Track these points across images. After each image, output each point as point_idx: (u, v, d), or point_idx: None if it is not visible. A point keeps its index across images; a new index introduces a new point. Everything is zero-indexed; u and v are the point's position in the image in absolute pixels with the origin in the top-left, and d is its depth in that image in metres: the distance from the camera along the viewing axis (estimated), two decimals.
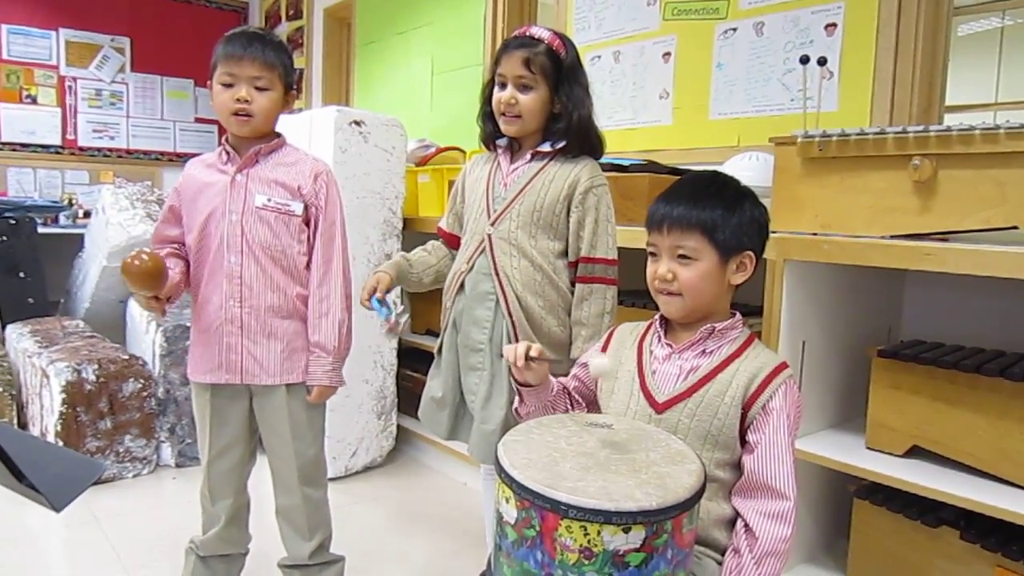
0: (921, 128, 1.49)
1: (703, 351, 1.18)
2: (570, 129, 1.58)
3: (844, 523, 1.75)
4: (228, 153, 1.60)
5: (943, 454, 1.53)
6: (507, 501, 0.91)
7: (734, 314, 1.22)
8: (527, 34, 1.59)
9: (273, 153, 1.62)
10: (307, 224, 1.62)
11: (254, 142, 1.59)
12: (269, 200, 1.58)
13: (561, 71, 1.58)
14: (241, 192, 1.58)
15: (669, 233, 1.16)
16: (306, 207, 1.61)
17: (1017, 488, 1.41)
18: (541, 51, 1.56)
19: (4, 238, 3.48)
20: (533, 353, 1.18)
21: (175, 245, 1.64)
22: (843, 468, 1.58)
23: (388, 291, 1.63)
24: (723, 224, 1.14)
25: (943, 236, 1.51)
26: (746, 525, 1.09)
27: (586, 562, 0.84)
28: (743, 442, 1.14)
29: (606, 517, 0.83)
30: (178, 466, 2.77)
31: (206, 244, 1.59)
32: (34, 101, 5.00)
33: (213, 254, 1.58)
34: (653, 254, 1.21)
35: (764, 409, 1.11)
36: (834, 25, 2.17)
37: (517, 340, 1.57)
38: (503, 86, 1.58)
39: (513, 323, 1.59)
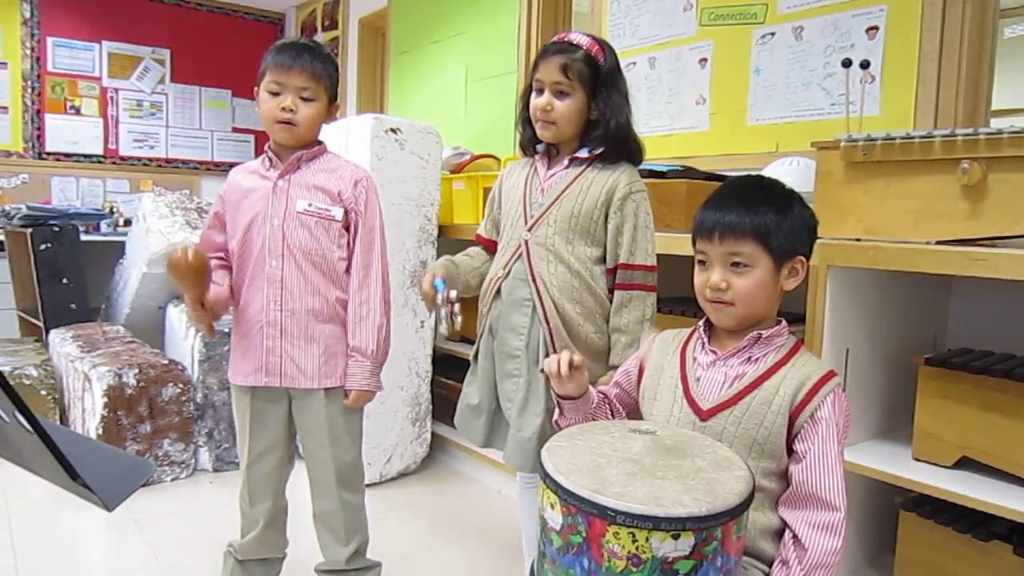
0: (970, 131, 1.45)
1: (749, 358, 1.16)
2: (608, 136, 1.57)
3: (889, 536, 1.71)
4: (271, 159, 1.63)
5: (994, 465, 1.48)
6: (552, 507, 0.90)
7: (780, 321, 1.19)
8: (566, 40, 1.58)
9: (315, 160, 1.64)
10: (347, 229, 1.64)
11: (296, 149, 1.61)
12: (310, 205, 1.60)
13: (599, 78, 1.56)
14: (283, 197, 1.60)
15: (722, 241, 1.14)
16: (346, 212, 1.62)
17: None
18: (579, 57, 1.55)
19: (48, 245, 3.56)
20: (576, 360, 1.17)
21: (222, 255, 1.67)
22: (889, 479, 1.54)
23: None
24: (776, 229, 1.12)
25: (992, 241, 1.47)
26: (795, 536, 1.07)
27: (634, 569, 0.83)
28: (790, 451, 1.12)
29: (655, 523, 0.82)
30: (215, 470, 2.80)
31: (248, 249, 1.61)
32: (77, 112, 5.12)
33: (255, 258, 1.60)
34: (702, 262, 1.18)
35: (812, 418, 1.09)
36: (876, 28, 2.14)
37: (554, 347, 1.56)
38: (540, 92, 1.58)
39: (550, 329, 1.58)
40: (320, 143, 1.66)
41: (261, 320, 1.60)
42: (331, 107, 1.64)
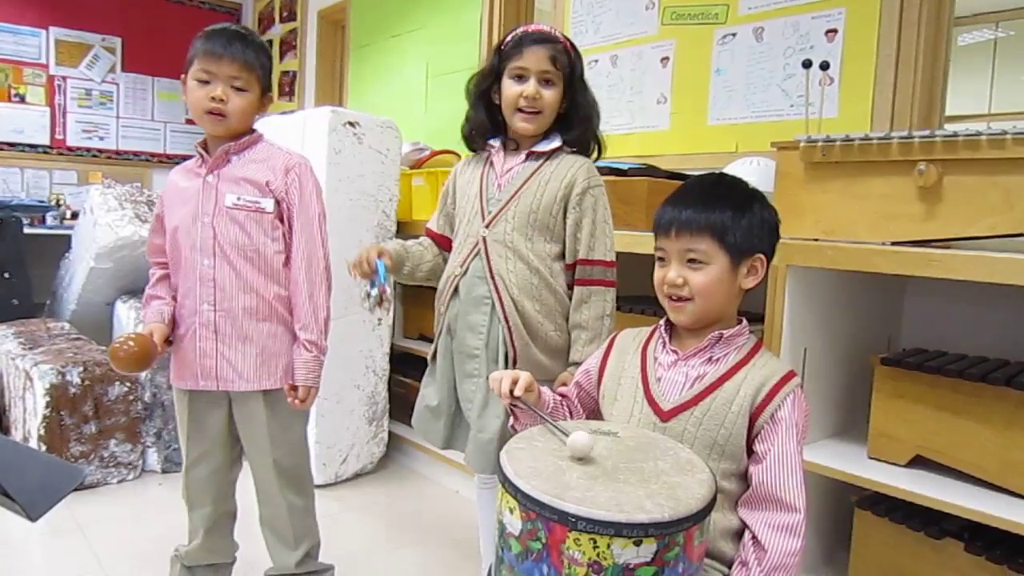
0: (927, 133, 1.46)
1: (710, 358, 1.15)
2: (587, 132, 1.59)
3: (845, 534, 1.72)
4: (202, 156, 1.57)
5: (947, 464, 1.50)
6: (511, 512, 0.87)
7: (740, 320, 1.19)
8: (543, 30, 1.56)
9: (246, 150, 1.58)
10: (282, 221, 1.58)
11: (225, 141, 1.56)
12: (238, 199, 1.54)
13: (575, 72, 1.56)
14: (212, 193, 1.54)
15: (678, 237, 1.13)
16: (277, 203, 1.56)
17: (1023, 499, 1.39)
18: (562, 49, 1.55)
19: None
20: (518, 391, 1.14)
21: (167, 262, 1.62)
22: (844, 478, 1.55)
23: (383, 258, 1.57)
24: (733, 227, 1.11)
25: (946, 243, 1.49)
26: (754, 537, 1.06)
27: None
28: (750, 452, 1.11)
29: (616, 529, 0.80)
30: (164, 472, 2.71)
31: (179, 249, 1.56)
32: (23, 100, 4.94)
33: (186, 258, 1.55)
34: (661, 259, 1.18)
35: (772, 419, 1.09)
36: (835, 31, 2.16)
37: (514, 345, 1.54)
38: (520, 79, 1.54)
39: (509, 328, 1.55)
40: (253, 131, 1.60)
41: (195, 322, 1.54)
42: (263, 98, 1.57)
